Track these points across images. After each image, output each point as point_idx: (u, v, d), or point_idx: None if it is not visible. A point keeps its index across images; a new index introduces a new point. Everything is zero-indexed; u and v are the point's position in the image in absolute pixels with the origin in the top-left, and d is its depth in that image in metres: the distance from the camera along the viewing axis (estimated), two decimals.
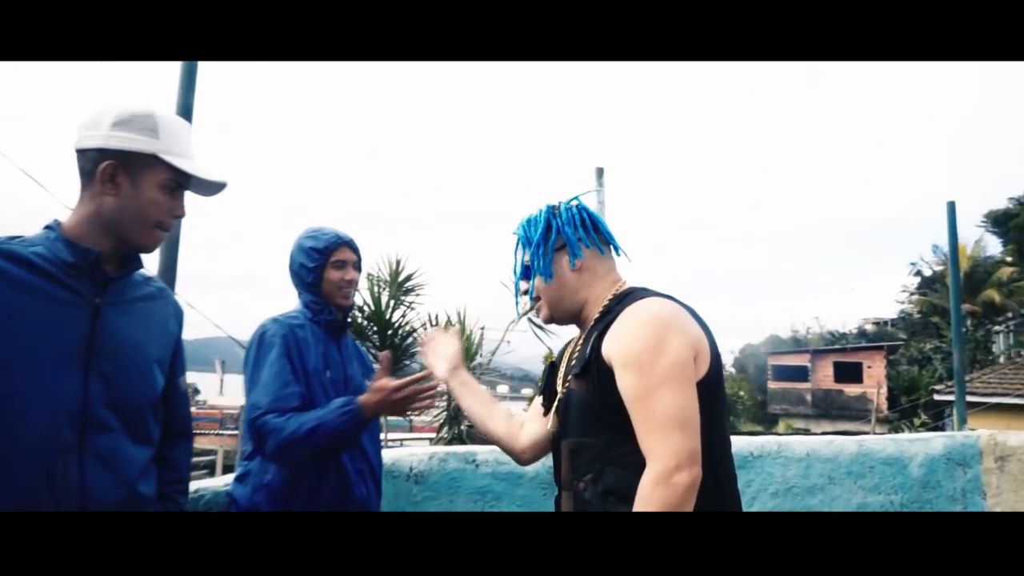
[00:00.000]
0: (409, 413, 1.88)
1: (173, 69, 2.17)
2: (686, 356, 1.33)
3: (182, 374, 1.55)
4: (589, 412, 1.43)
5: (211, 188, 1.43)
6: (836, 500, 2.99)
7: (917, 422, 18.46)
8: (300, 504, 1.84)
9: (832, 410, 26.30)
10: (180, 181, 1.37)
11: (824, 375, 27.30)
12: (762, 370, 30.33)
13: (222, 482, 2.08)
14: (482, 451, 2.64)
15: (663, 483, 1.25)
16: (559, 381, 1.59)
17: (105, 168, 1.30)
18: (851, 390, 26.13)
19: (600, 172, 3.68)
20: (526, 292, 1.61)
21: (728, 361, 35.16)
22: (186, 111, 2.16)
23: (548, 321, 1.61)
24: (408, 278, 7.34)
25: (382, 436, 2.12)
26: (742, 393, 27.96)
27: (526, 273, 1.60)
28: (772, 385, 28.81)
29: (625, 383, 1.33)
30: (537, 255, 1.55)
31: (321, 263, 2.01)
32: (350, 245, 2.06)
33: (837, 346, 29.25)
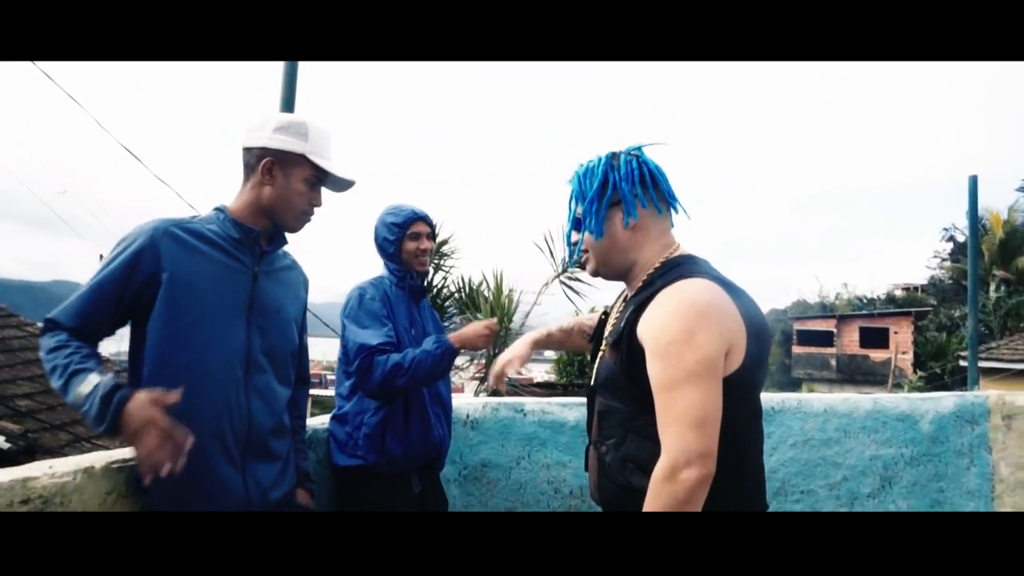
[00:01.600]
0: (482, 346, 2.31)
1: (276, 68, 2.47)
2: (716, 352, 1.29)
3: (306, 331, 1.89)
4: (617, 382, 1.44)
5: (343, 185, 1.73)
6: (850, 452, 3.23)
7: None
8: (392, 439, 2.18)
9: (857, 375, 26.38)
10: (320, 177, 1.68)
11: (850, 340, 27.31)
12: (787, 335, 30.37)
13: (319, 421, 2.41)
14: (529, 402, 2.87)
15: (671, 479, 1.25)
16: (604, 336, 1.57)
17: (265, 163, 1.62)
18: (877, 355, 26.16)
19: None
20: (576, 243, 1.56)
21: None
22: (288, 104, 2.47)
23: (594, 274, 1.57)
24: (444, 242, 7.60)
25: None
26: None
27: (577, 225, 1.55)
28: (797, 349, 28.89)
29: (652, 370, 1.33)
30: (590, 211, 1.49)
31: (400, 236, 2.33)
32: (424, 219, 2.38)
33: (864, 311, 29.14)
